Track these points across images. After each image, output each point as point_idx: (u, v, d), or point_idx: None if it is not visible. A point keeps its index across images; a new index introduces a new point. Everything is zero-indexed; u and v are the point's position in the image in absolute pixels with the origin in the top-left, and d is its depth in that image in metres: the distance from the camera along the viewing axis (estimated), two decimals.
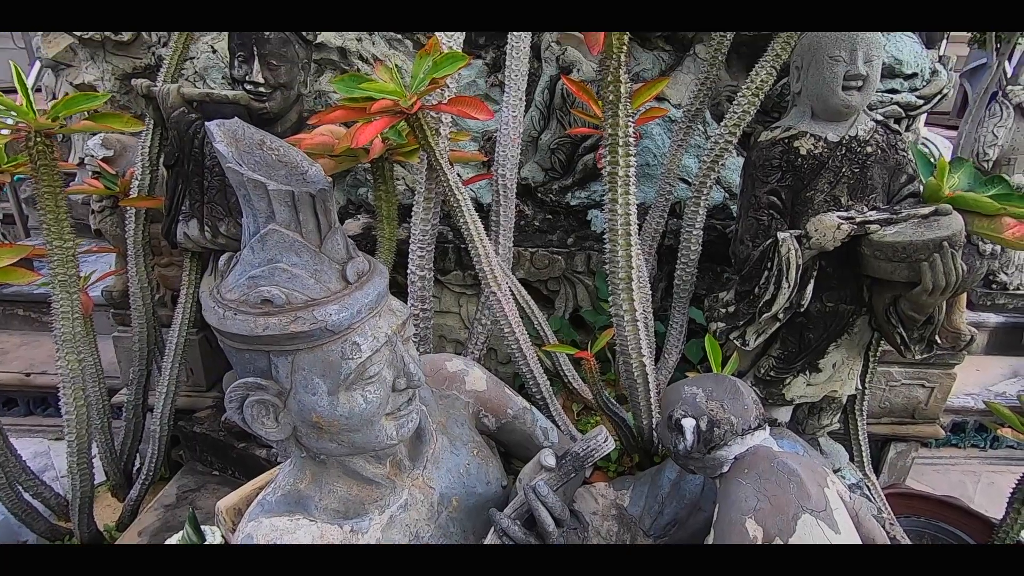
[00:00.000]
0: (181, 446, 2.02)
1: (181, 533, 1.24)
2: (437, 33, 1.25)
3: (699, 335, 1.71)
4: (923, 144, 2.56)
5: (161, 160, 1.66)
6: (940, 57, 1.85)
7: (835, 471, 1.72)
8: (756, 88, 1.40)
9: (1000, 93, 2.98)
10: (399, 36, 1.87)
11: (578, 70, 1.83)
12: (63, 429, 1.62)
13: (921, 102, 1.78)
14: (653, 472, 1.20)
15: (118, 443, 1.95)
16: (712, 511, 0.95)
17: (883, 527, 1.28)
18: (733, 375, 1.41)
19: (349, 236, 0.79)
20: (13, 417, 2.82)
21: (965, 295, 2.02)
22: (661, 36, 1.86)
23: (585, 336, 1.99)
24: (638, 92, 1.41)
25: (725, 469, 0.95)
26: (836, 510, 0.88)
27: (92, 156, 1.87)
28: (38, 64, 2.68)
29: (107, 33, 1.85)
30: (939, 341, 1.44)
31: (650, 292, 1.66)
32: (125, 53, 1.92)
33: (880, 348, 1.65)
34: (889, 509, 1.76)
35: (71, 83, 2.04)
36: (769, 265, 1.36)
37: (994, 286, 3.01)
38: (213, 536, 1.24)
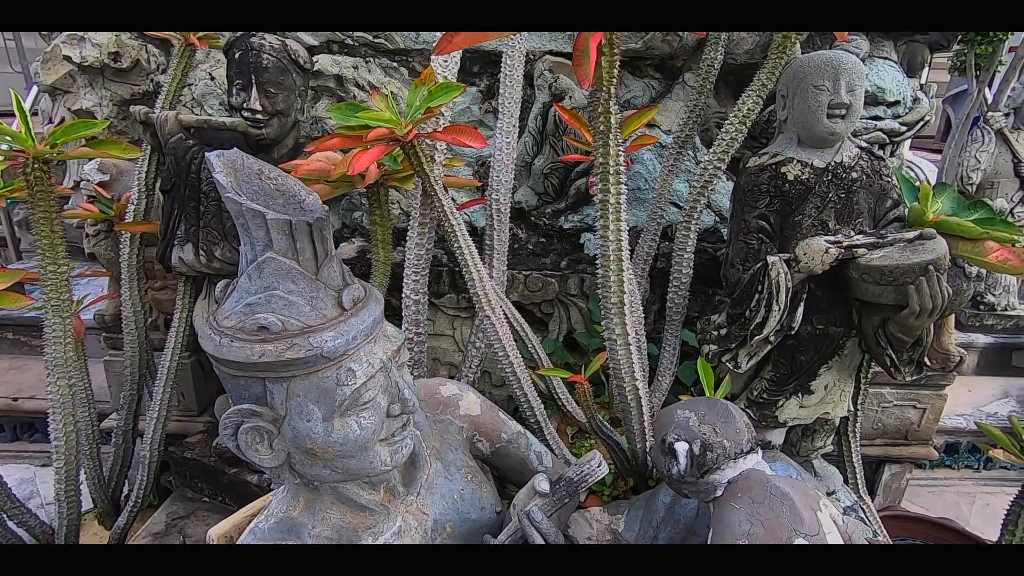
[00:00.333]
0: (171, 472, 1.99)
1: None
2: (432, 62, 1.28)
3: (692, 357, 1.72)
4: (909, 168, 2.62)
5: (157, 185, 1.67)
6: (921, 85, 1.90)
7: (829, 494, 1.72)
8: (743, 116, 1.43)
9: (981, 119, 3.06)
10: (394, 64, 1.91)
11: (570, 97, 1.87)
12: (51, 455, 1.60)
13: (904, 129, 1.83)
14: (647, 496, 1.20)
15: (107, 469, 1.92)
16: (706, 535, 0.95)
17: None
18: (726, 397, 1.43)
19: (344, 259, 0.80)
20: None
21: (953, 317, 2.05)
22: (651, 64, 1.91)
23: (579, 358, 2.00)
24: (629, 120, 1.45)
25: (719, 493, 0.95)
26: (829, 534, 0.88)
27: (88, 181, 1.88)
28: (35, 88, 2.70)
29: (106, 60, 1.87)
30: (928, 363, 1.46)
31: (643, 315, 1.68)
32: (124, 80, 1.94)
33: (871, 370, 1.67)
34: (885, 532, 1.75)
35: (69, 108, 2.05)
36: (760, 288, 1.38)
37: (982, 307, 3.05)
38: None
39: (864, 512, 1.75)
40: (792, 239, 1.42)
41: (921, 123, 1.85)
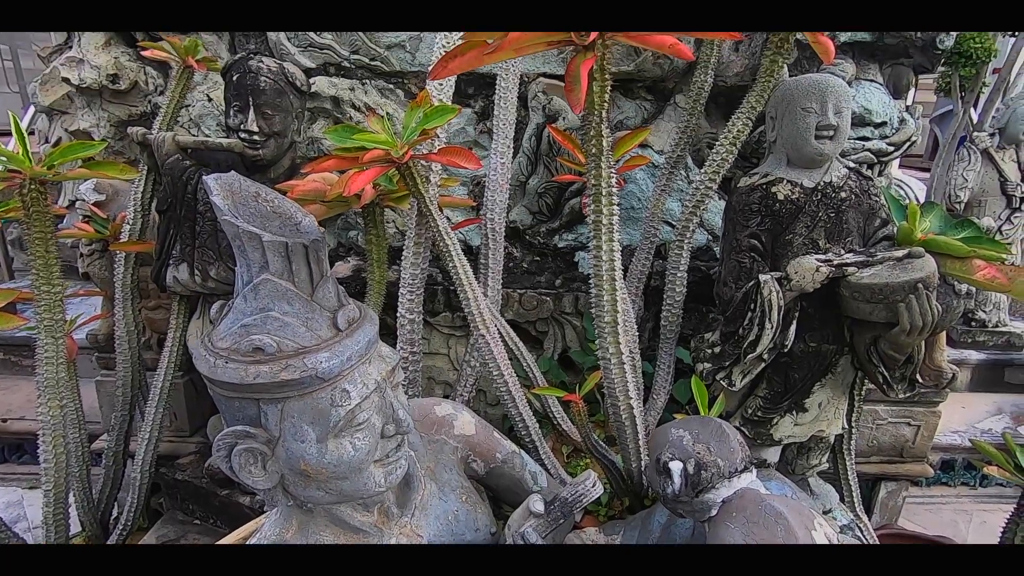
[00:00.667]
0: (161, 494, 1.96)
1: None
2: (428, 85, 1.30)
3: (687, 375, 1.72)
4: (898, 186, 2.66)
5: (153, 205, 1.68)
6: (908, 107, 1.94)
7: (826, 512, 1.72)
8: (733, 138, 1.46)
9: (967, 139, 3.12)
10: (390, 86, 1.93)
11: (564, 118, 1.90)
12: (40, 478, 1.58)
13: (891, 149, 1.87)
14: (643, 516, 1.20)
15: (96, 491, 1.89)
16: None
17: None
18: (721, 415, 1.43)
19: (339, 278, 0.81)
20: None
21: (945, 333, 2.07)
22: (643, 86, 1.95)
23: (574, 376, 2.00)
24: (622, 141, 1.47)
25: (713, 513, 0.95)
26: None
27: (84, 200, 1.88)
28: (32, 108, 2.72)
29: (105, 82, 1.89)
30: (921, 380, 1.47)
31: (637, 334, 1.68)
32: (121, 101, 1.96)
33: (864, 387, 1.68)
34: None
35: (66, 129, 2.07)
36: (752, 306, 1.39)
37: (974, 324, 3.07)
38: None
39: (861, 530, 1.74)
40: (783, 258, 1.43)
41: (908, 143, 1.88)
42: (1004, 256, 1.34)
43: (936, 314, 1.26)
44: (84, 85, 1.89)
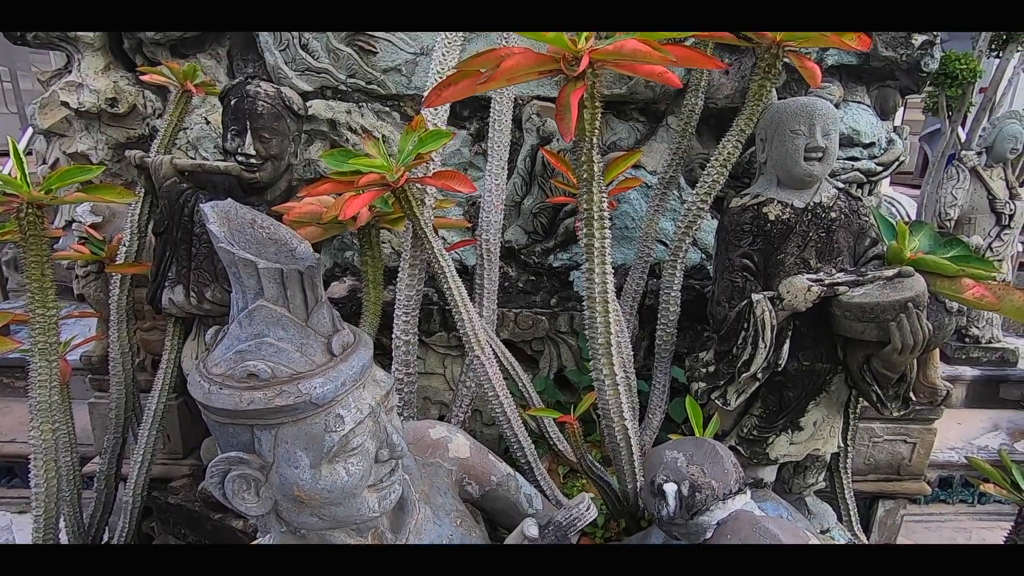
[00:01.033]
0: (153, 518, 1.94)
1: None
2: (423, 112, 1.32)
3: (682, 393, 1.72)
4: (889, 203, 2.69)
5: (150, 227, 1.69)
6: (895, 127, 1.98)
7: (824, 531, 1.71)
8: (724, 159, 1.48)
9: (956, 157, 3.17)
10: (387, 108, 1.96)
11: (557, 140, 1.93)
12: (30, 502, 1.56)
13: (880, 168, 1.90)
14: (639, 538, 1.19)
15: (87, 516, 1.87)
16: None
17: None
18: (716, 435, 1.43)
19: (335, 298, 0.81)
20: None
21: (938, 351, 2.08)
22: (635, 108, 1.98)
23: (570, 396, 1.99)
24: (615, 163, 1.49)
25: (708, 535, 0.95)
26: None
27: (80, 222, 1.89)
28: (30, 129, 2.74)
29: (104, 106, 1.91)
30: (914, 397, 1.47)
31: (632, 354, 1.69)
32: (120, 124, 1.98)
33: (859, 405, 1.68)
34: None
35: (64, 151, 2.08)
36: (746, 326, 1.40)
37: (967, 340, 3.09)
38: None
39: None
40: (776, 277, 1.45)
41: (896, 163, 1.91)
42: (993, 275, 1.35)
43: (927, 332, 1.27)
44: (83, 109, 1.91)
